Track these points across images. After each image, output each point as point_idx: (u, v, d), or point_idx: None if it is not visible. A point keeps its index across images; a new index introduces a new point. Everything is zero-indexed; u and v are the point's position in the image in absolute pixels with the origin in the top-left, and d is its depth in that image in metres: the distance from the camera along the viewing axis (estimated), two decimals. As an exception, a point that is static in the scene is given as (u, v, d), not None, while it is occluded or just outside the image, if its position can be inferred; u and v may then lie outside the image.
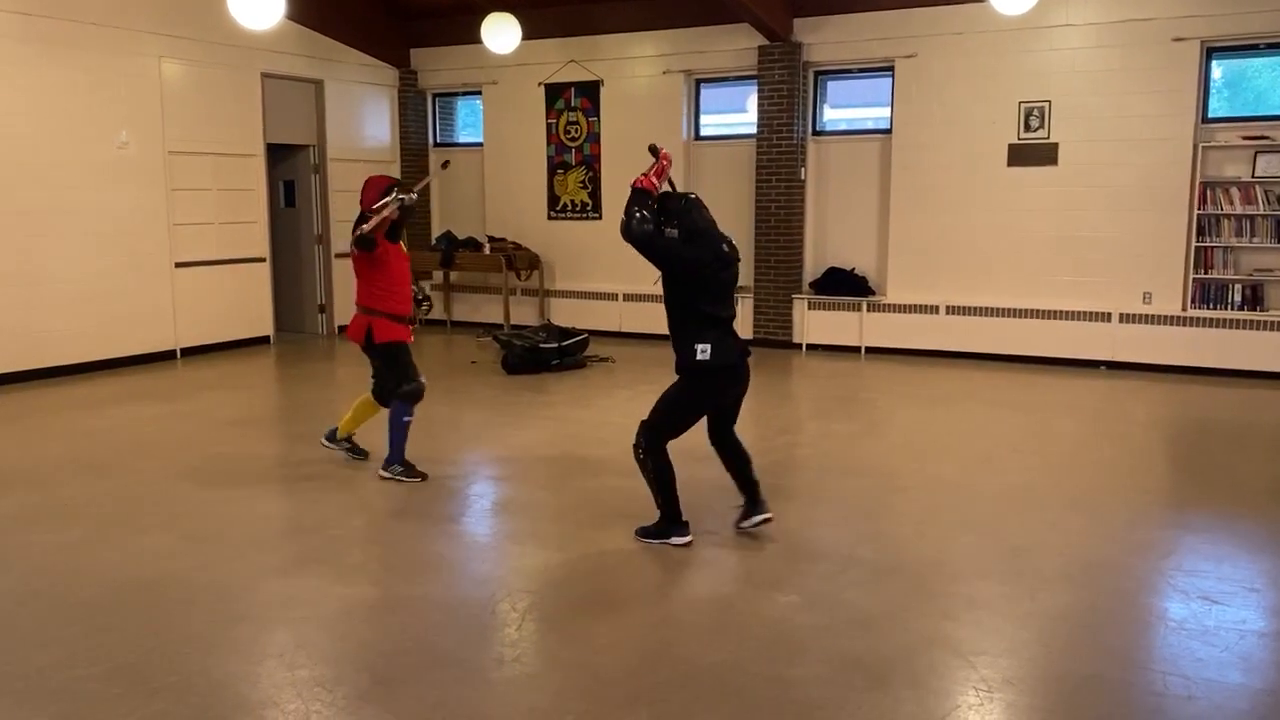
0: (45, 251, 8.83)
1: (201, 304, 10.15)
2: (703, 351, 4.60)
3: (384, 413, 5.99)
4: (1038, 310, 9.50)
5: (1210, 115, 8.98)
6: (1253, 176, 8.72)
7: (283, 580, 4.37)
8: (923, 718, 3.23)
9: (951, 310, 9.84)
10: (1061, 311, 9.38)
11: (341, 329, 11.74)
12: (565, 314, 11.32)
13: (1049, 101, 9.30)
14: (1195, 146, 8.85)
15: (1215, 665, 3.55)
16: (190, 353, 10.07)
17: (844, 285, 10.31)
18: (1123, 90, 9.02)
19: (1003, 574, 4.45)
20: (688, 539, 4.75)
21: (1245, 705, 3.31)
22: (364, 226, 5.62)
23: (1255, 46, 8.82)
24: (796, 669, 3.54)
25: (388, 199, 5.64)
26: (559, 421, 7.36)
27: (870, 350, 10.17)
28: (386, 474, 5.86)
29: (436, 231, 12.49)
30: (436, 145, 12.69)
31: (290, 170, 11.58)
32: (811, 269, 10.56)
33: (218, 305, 10.33)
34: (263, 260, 10.82)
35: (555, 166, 11.71)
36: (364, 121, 12.04)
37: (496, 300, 11.79)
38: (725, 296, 4.74)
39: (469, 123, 12.83)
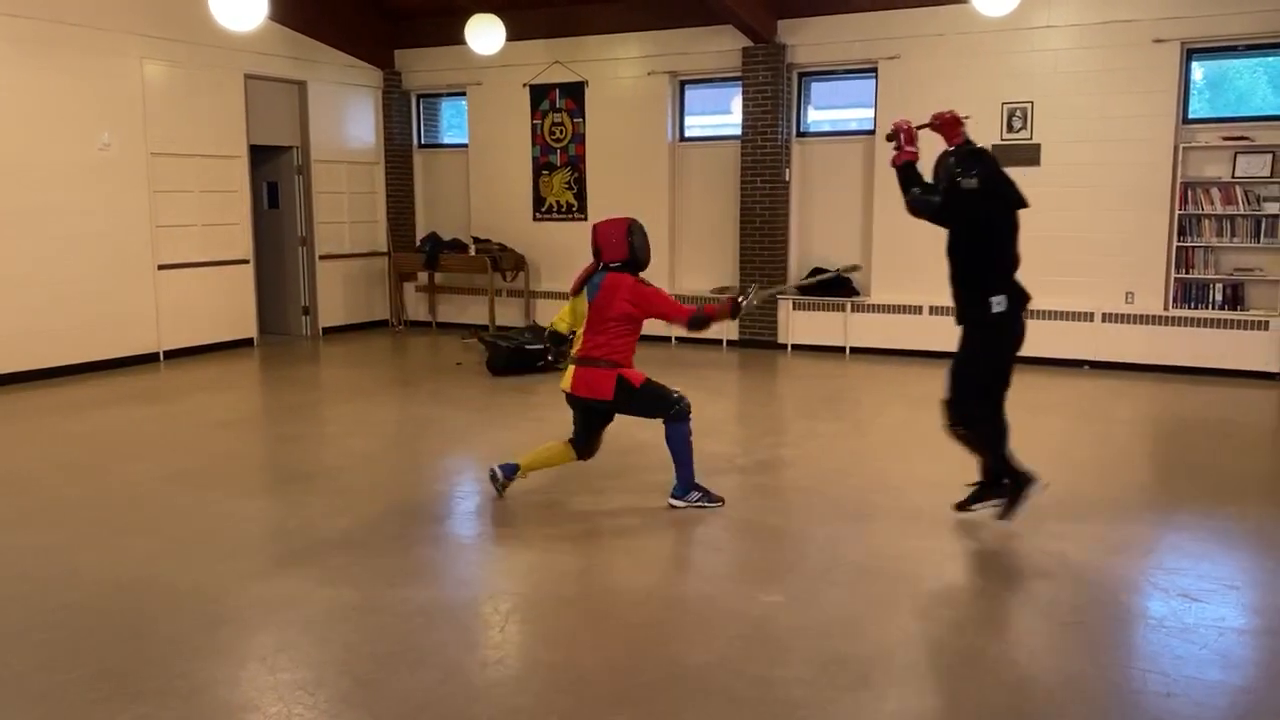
0: (26, 253, 8.77)
1: (185, 306, 10.11)
2: (999, 304, 4.58)
3: (562, 455, 5.51)
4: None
5: (1191, 116, 9.05)
6: (1233, 177, 8.78)
7: (266, 583, 4.36)
8: (906, 717, 3.25)
9: (935, 310, 9.86)
10: (1045, 311, 9.42)
11: (326, 330, 11.75)
12: (551, 315, 11.27)
13: (1031, 102, 9.35)
14: (1176, 147, 8.92)
15: (1194, 663, 3.58)
16: (173, 355, 10.03)
17: (828, 286, 10.32)
18: (1104, 91, 9.08)
19: (984, 572, 4.48)
20: (1043, 483, 4.80)
21: (1224, 702, 3.33)
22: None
23: (1234, 48, 8.89)
24: (780, 669, 3.55)
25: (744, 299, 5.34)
26: (544, 423, 7.34)
27: (855, 350, 10.21)
28: (680, 503, 5.32)
29: (421, 233, 12.47)
30: (421, 146, 12.67)
31: (274, 172, 11.54)
32: (796, 270, 10.59)
33: (201, 307, 10.29)
34: (246, 262, 10.78)
35: (540, 167, 11.71)
36: (348, 123, 12.01)
37: (482, 301, 11.78)
38: (1014, 245, 4.71)
39: (454, 124, 12.81)
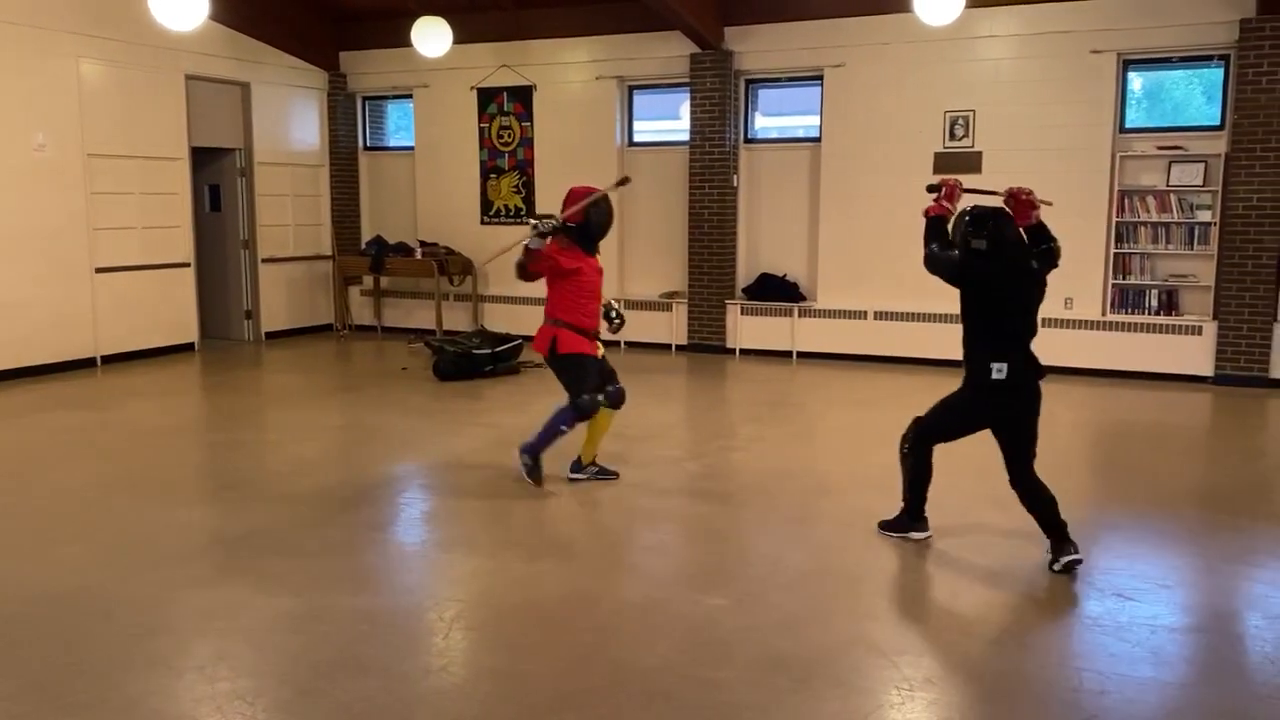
0: (-43, 256, 8.56)
1: (123, 310, 9.91)
2: (998, 370, 4.50)
3: (601, 420, 5.77)
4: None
5: (1127, 125, 9.25)
6: (1167, 185, 8.99)
7: (204, 591, 4.28)
8: (846, 717, 3.27)
9: (880, 315, 9.99)
10: (986, 316, 9.57)
11: (269, 334, 11.59)
12: (499, 319, 11.25)
13: (973, 111, 9.50)
14: (1114, 156, 9.12)
15: (1128, 660, 3.65)
16: (111, 360, 9.82)
17: (776, 291, 10.41)
18: (1044, 100, 9.26)
19: (926, 573, 4.53)
20: (927, 534, 4.89)
21: (1155, 699, 3.41)
22: (508, 253, 5.63)
23: (1169, 60, 9.11)
24: (724, 671, 3.56)
25: (536, 223, 5.46)
26: (492, 428, 7.31)
27: (802, 355, 10.28)
28: (520, 461, 5.72)
29: (367, 236, 12.34)
30: (366, 149, 12.56)
31: (216, 174, 11.36)
32: (744, 275, 10.65)
33: (140, 311, 10.09)
34: (187, 265, 10.60)
35: (488, 171, 11.66)
36: (292, 125, 11.86)
37: (429, 306, 11.69)
38: (1028, 311, 4.62)
39: (400, 126, 12.71)
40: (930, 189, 4.86)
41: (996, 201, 4.70)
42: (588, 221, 5.56)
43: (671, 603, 4.21)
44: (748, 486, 5.97)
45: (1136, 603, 4.16)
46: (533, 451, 5.70)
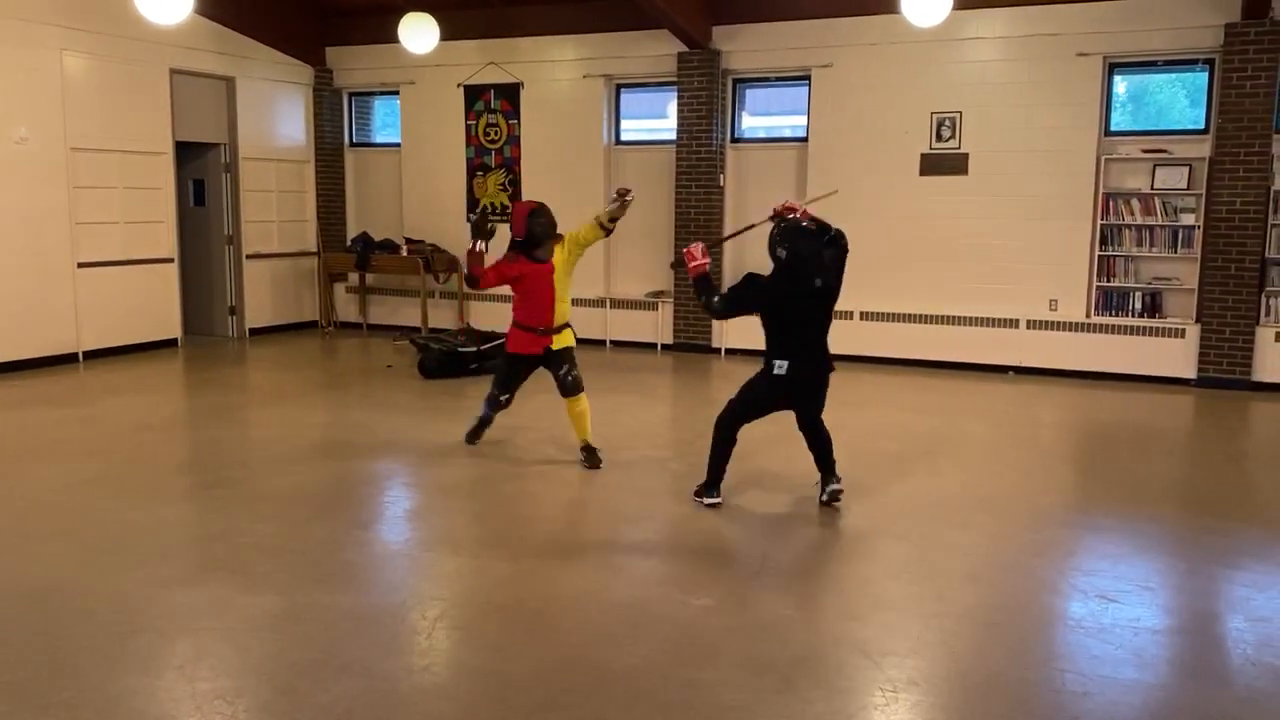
0: (-63, 250, 8.47)
1: (105, 305, 9.83)
2: (779, 367, 5.22)
3: (569, 406, 6.17)
4: (949, 316, 9.72)
5: (1112, 128, 9.29)
6: (1151, 188, 9.04)
7: (186, 590, 4.25)
8: (830, 718, 3.27)
9: (865, 316, 10.00)
10: (971, 318, 9.61)
11: (253, 331, 11.53)
12: (485, 317, 11.22)
13: (960, 112, 9.53)
14: (1099, 158, 9.15)
15: (1110, 662, 3.66)
16: (93, 356, 9.75)
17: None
18: (1030, 103, 9.29)
19: (911, 575, 4.54)
20: (717, 500, 5.39)
21: (1138, 700, 3.42)
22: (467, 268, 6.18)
23: (1154, 63, 9.15)
24: (708, 672, 3.56)
25: (479, 239, 6.16)
26: (476, 426, 7.28)
27: (787, 355, 10.28)
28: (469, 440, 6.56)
29: (352, 232, 12.29)
30: (352, 145, 12.50)
31: (200, 169, 11.29)
32: (730, 275, 10.64)
33: (123, 307, 10.02)
34: (170, 261, 10.53)
35: (475, 169, 11.62)
36: (277, 120, 11.79)
37: (414, 303, 11.65)
38: (810, 321, 5.28)
39: (387, 122, 12.66)
40: (673, 265, 5.64)
41: (766, 228, 5.38)
42: (530, 233, 6.02)
43: (656, 603, 4.20)
44: (731, 487, 5.96)
45: (1119, 604, 4.17)
46: (478, 421, 6.59)
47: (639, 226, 10.96)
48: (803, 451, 5.54)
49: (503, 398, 6.36)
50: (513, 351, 6.23)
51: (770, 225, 5.33)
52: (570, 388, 6.12)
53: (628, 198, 6.00)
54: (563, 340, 6.16)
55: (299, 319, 12.14)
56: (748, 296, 5.29)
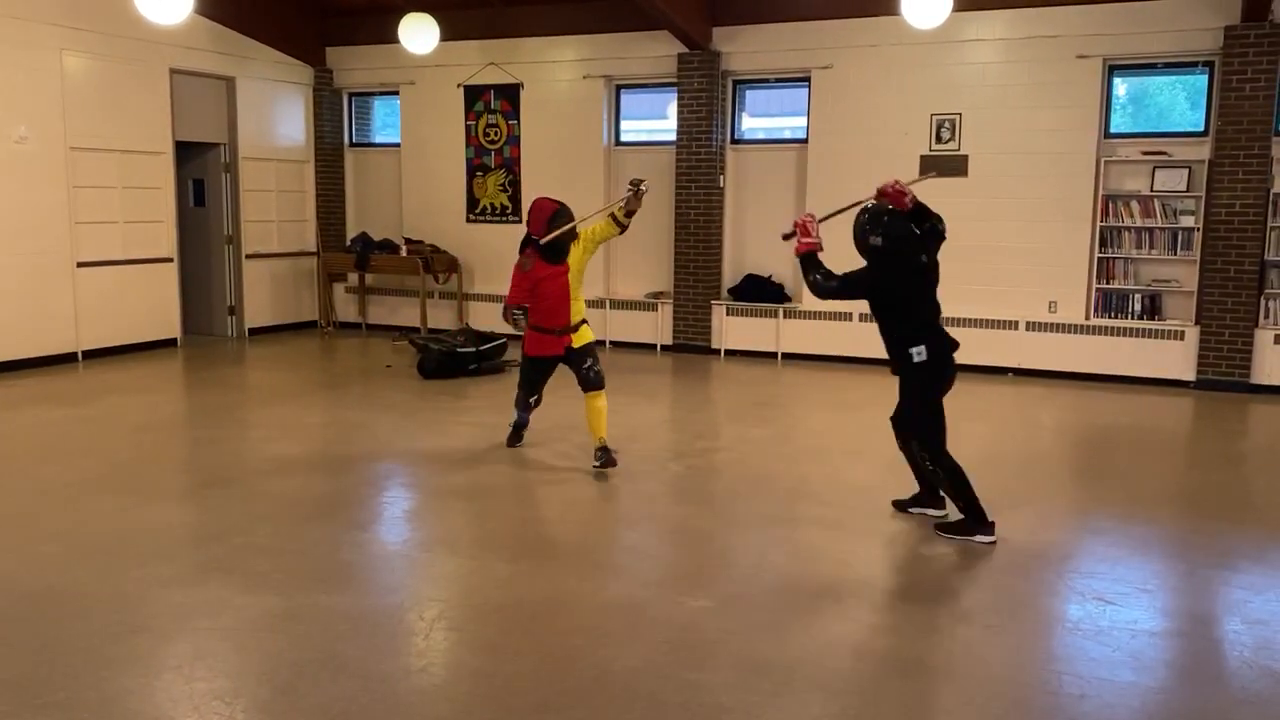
0: (-64, 249, 8.47)
1: (105, 305, 9.83)
2: (918, 355, 4.92)
3: (588, 403, 6.16)
4: (948, 318, 9.66)
5: (1112, 130, 9.30)
6: (1151, 191, 9.04)
7: (184, 590, 4.25)
8: (828, 719, 3.28)
9: (864, 318, 9.97)
10: (971, 319, 9.60)
11: (252, 331, 11.53)
12: (484, 318, 11.22)
13: (960, 114, 9.53)
14: (1098, 160, 9.16)
15: (1108, 664, 3.66)
16: (93, 355, 9.75)
17: (761, 292, 10.42)
18: (1030, 105, 9.29)
19: (908, 577, 4.54)
20: (992, 539, 4.86)
21: (1135, 703, 3.42)
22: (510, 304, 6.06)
23: (1154, 65, 9.16)
24: (706, 673, 3.56)
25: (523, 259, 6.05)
26: (476, 427, 7.28)
27: (786, 356, 10.30)
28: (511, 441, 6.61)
29: (352, 232, 12.29)
30: (352, 145, 12.50)
31: (200, 169, 11.29)
32: (730, 276, 10.65)
33: (122, 307, 10.02)
34: (170, 260, 10.53)
35: (475, 169, 11.62)
36: (277, 120, 11.79)
37: (414, 303, 11.65)
38: (923, 300, 5.02)
39: (386, 123, 12.66)
40: (786, 237, 5.27)
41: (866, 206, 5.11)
42: (554, 245, 5.98)
43: (654, 604, 4.20)
44: (731, 488, 5.97)
45: (1117, 607, 4.18)
46: (513, 426, 6.61)
47: (638, 228, 10.93)
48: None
49: (531, 399, 6.38)
50: (534, 355, 6.20)
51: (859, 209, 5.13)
52: (593, 382, 6.08)
53: (642, 187, 5.87)
54: (582, 337, 6.13)
55: (298, 319, 12.14)
56: (864, 280, 5.04)
